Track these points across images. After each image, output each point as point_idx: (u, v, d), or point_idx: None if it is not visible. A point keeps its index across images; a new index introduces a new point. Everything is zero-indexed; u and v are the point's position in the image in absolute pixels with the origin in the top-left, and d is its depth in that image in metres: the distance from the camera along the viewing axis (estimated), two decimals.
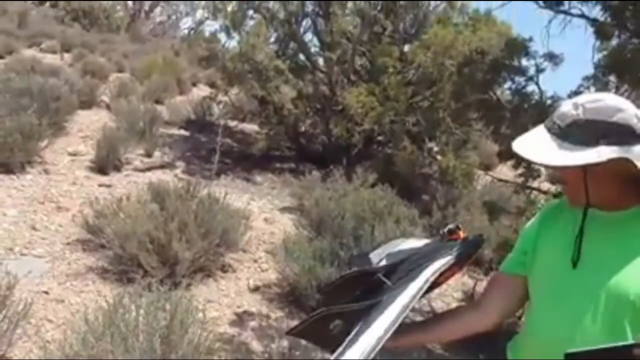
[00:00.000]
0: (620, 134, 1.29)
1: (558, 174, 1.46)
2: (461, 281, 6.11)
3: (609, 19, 3.59)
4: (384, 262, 1.74)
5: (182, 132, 10.11)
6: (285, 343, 3.62)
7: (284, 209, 7.15)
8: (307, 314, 4.71)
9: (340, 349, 1.47)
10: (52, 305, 4.17)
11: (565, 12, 4.11)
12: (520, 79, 3.90)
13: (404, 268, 1.62)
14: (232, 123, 10.38)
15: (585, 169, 1.32)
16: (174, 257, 4.67)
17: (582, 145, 1.29)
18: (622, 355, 1.23)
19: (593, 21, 3.89)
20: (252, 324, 4.36)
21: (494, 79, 3.89)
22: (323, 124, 9.11)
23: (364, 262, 1.79)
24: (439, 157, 8.27)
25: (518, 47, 3.87)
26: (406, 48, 8.70)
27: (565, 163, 1.30)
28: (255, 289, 5.00)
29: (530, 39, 4.02)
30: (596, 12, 3.82)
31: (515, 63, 3.94)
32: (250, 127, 10.30)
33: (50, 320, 3.97)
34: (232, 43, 10.35)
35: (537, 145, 1.36)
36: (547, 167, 1.42)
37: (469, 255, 1.56)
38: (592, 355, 1.24)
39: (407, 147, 7.80)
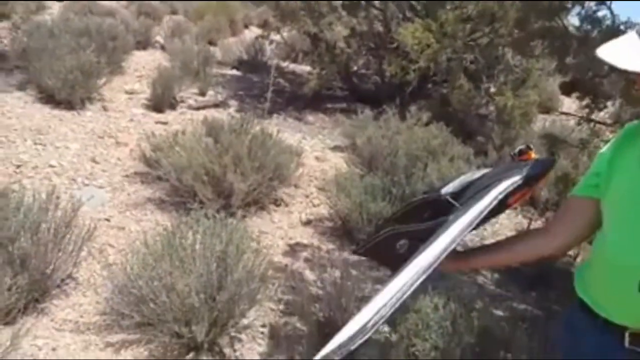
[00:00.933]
0: None
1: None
2: (515, 221, 5.99)
3: None
4: (452, 188, 1.71)
5: (235, 72, 10.13)
6: (337, 273, 3.66)
7: (335, 148, 7.13)
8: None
9: (404, 267, 1.45)
10: (114, 232, 4.35)
11: None
12: (591, 3, 3.65)
13: (471, 190, 1.59)
14: (284, 63, 10.31)
15: None
16: (228, 188, 4.76)
17: None
18: None
19: None
20: (304, 254, 4.43)
21: (562, 3, 3.65)
22: (376, 63, 8.92)
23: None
24: (496, 97, 7.99)
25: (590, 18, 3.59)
26: None
27: None
28: (308, 223, 5.06)
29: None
30: None
31: None
32: (302, 68, 10.20)
33: (112, 245, 4.14)
34: None
35: (627, 50, 1.24)
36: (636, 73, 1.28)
37: (540, 176, 1.52)
38: None
39: (463, 85, 7.56)
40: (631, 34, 1.28)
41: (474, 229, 1.47)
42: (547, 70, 7.63)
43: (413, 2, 8.46)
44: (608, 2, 3.52)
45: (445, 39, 7.82)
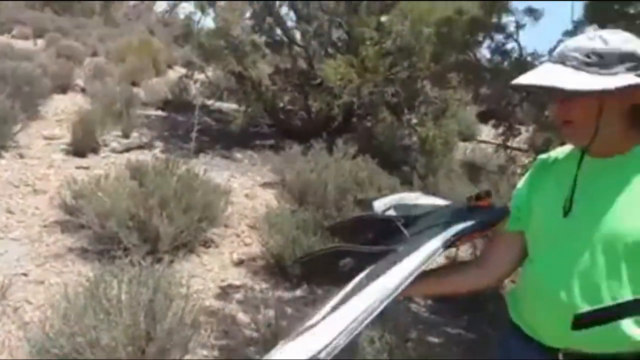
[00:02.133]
0: (637, 61, 1.28)
1: (558, 114, 1.35)
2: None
3: None
4: (392, 212, 1.73)
5: (160, 112, 9.96)
6: (271, 313, 3.59)
7: (265, 185, 7.10)
8: (292, 285, 4.66)
9: (347, 289, 1.44)
10: (31, 287, 4.09)
11: None
12: (500, 37, 3.87)
13: (423, 223, 1.60)
14: (210, 102, 10.25)
15: (602, 101, 1.28)
16: (155, 233, 4.60)
17: (600, 74, 1.26)
18: (632, 309, 1.22)
19: None
20: (237, 296, 4.33)
21: (473, 38, 3.85)
22: (302, 99, 9.02)
23: (365, 208, 1.80)
24: (418, 128, 8.25)
25: (496, 3, 3.82)
26: (384, 18, 8.61)
27: (588, 87, 1.24)
28: (239, 263, 4.96)
29: None
30: None
31: (494, 20, 3.89)
32: (228, 106, 10.17)
33: (30, 302, 3.89)
34: (207, 22, 10.18)
35: (545, 74, 1.31)
36: (562, 93, 1.30)
37: (492, 224, 1.53)
38: (603, 314, 1.23)
39: (386, 118, 7.77)
40: (546, 65, 1.35)
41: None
42: (464, 100, 7.96)
43: (334, 39, 8.67)
44: (515, 36, 3.75)
45: (366, 74, 8.05)
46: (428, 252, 1.41)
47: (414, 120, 8.10)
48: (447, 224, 1.48)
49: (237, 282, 4.59)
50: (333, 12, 8.49)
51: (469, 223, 1.46)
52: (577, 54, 1.28)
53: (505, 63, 3.78)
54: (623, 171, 1.32)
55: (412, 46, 7.60)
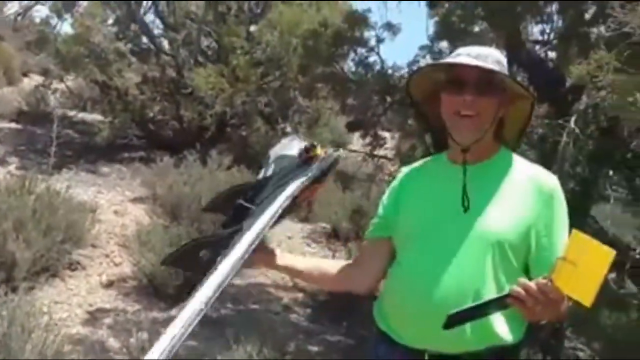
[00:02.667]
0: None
1: (461, 106, 1.41)
2: (322, 253, 6.24)
3: None
4: (271, 169, 1.73)
5: (14, 125, 9.15)
6: (144, 336, 3.42)
7: (135, 199, 6.78)
8: (167, 305, 4.48)
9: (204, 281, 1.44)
10: None
11: None
12: (362, 50, 4.02)
13: (266, 191, 1.62)
14: (72, 113, 9.60)
15: (499, 104, 1.42)
16: (10, 259, 4.21)
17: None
18: (497, 306, 1.30)
19: None
20: (107, 320, 4.09)
21: (338, 51, 3.97)
22: (172, 109, 8.75)
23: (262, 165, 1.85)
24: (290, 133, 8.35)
25: (357, 18, 3.97)
26: (253, 28, 8.61)
27: (495, 68, 1.40)
28: (109, 285, 4.69)
29: (369, 10, 4.15)
30: None
31: (357, 34, 4.04)
32: (93, 117, 9.60)
33: None
34: (64, 27, 9.54)
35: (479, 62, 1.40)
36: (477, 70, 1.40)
37: (325, 174, 1.59)
38: (471, 313, 1.29)
39: (260, 127, 7.77)
40: (467, 58, 1.43)
41: (271, 227, 1.53)
42: (335, 110, 8.19)
43: (204, 48, 8.52)
44: (376, 49, 3.93)
45: (238, 83, 8.00)
46: (264, 223, 1.48)
47: (288, 129, 8.18)
48: (283, 187, 1.55)
49: (107, 306, 4.33)
50: (202, 20, 8.34)
51: (303, 179, 1.54)
52: (490, 58, 1.42)
53: (369, 75, 3.94)
54: (492, 175, 1.43)
55: (282, 57, 7.67)
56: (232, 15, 8.51)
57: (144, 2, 8.72)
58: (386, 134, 4.46)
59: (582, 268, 1.14)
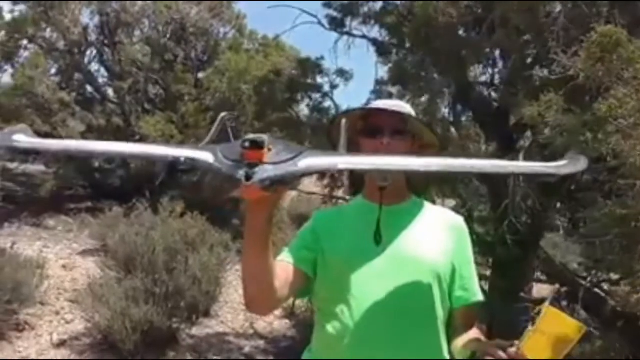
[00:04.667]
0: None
1: (379, 149, 1.48)
2: None
3: (387, 38, 3.98)
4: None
5: None
6: None
7: (85, 252, 6.56)
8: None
9: None
10: None
11: (349, 34, 4.45)
12: (317, 96, 4.12)
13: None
14: (13, 165, 9.27)
15: (414, 141, 1.53)
16: None
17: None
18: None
19: (373, 41, 4.28)
20: None
21: (292, 97, 4.04)
22: (119, 157, 8.59)
23: None
24: None
25: (311, 65, 4.08)
26: (200, 75, 8.66)
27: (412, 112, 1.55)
28: (61, 344, 4.48)
29: (322, 58, 4.27)
30: (375, 32, 4.22)
31: (310, 80, 4.14)
32: (36, 168, 9.30)
33: None
34: (4, 78, 9.30)
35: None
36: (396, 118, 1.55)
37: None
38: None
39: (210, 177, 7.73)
40: (380, 104, 1.59)
41: None
42: None
43: (151, 96, 8.49)
44: (330, 95, 4.03)
45: (187, 130, 7.98)
46: None
47: None
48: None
49: None
50: (148, 68, 8.32)
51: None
52: (405, 108, 1.56)
53: (324, 120, 4.03)
54: (407, 215, 1.53)
55: (232, 102, 7.73)
56: (179, 63, 8.55)
57: (89, 51, 8.64)
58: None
59: (551, 339, 1.22)
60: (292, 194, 9.11)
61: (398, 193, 1.55)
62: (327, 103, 4.13)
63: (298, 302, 6.39)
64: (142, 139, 8.05)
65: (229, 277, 6.18)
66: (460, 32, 3.23)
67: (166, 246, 5.63)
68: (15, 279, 4.70)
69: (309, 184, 7.95)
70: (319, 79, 4.18)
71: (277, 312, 5.84)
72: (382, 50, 4.21)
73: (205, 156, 1.11)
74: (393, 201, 1.53)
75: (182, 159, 1.13)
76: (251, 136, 1.04)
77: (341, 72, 4.22)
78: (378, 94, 4.23)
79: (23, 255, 5.50)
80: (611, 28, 2.16)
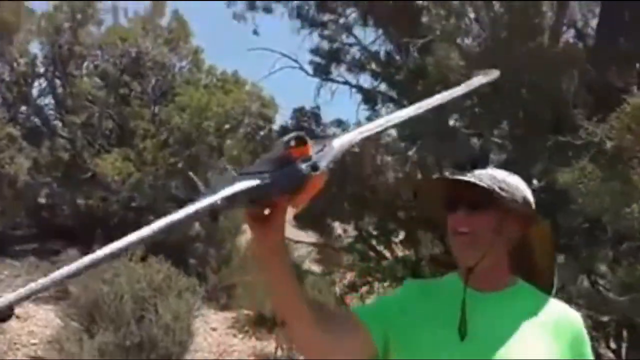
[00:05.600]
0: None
1: (458, 224, 1.27)
2: (249, 344, 6.01)
3: (375, 86, 4.02)
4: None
5: None
6: None
7: (39, 300, 6.13)
8: None
9: None
10: None
11: (333, 80, 4.46)
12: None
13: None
14: None
15: (501, 221, 1.27)
16: None
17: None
18: None
19: (359, 88, 4.31)
20: None
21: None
22: (69, 194, 8.18)
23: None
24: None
25: (307, 114, 4.04)
26: (157, 109, 8.43)
27: (492, 185, 1.26)
28: None
29: (318, 108, 4.25)
30: (362, 80, 4.25)
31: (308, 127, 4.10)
32: None
33: None
34: None
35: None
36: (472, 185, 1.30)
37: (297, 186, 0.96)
38: None
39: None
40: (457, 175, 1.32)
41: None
42: None
43: (106, 132, 8.17)
44: None
45: (146, 167, 7.71)
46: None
47: None
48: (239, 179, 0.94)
49: None
50: (103, 102, 8.02)
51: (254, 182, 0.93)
52: (487, 176, 1.30)
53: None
54: (505, 307, 1.29)
55: (193, 139, 7.56)
56: (135, 97, 8.29)
57: (37, 83, 8.24)
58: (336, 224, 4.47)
59: None
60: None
61: (492, 276, 1.30)
62: None
63: (271, 347, 6.25)
64: (95, 176, 7.72)
65: (196, 324, 5.95)
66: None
67: (133, 293, 5.37)
68: None
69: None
70: (315, 128, 4.14)
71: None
72: (368, 98, 4.24)
73: (244, 185, 0.95)
74: (486, 286, 1.29)
75: (219, 202, 0.93)
76: (290, 135, 0.99)
77: (339, 122, 4.20)
78: None
79: None
80: None
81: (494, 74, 1.40)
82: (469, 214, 1.30)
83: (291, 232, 7.39)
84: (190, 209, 0.96)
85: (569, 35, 4.22)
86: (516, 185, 1.36)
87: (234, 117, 7.53)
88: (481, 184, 1.30)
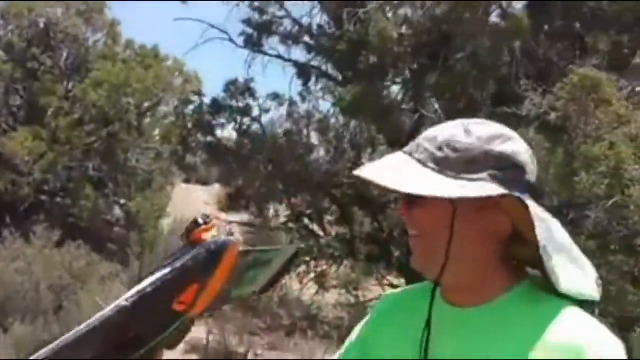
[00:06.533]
0: (510, 169, 0.91)
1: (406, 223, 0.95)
2: None
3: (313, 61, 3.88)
4: None
5: None
6: None
7: None
8: None
9: None
10: None
11: (265, 53, 4.28)
12: (246, 120, 3.88)
13: None
14: None
15: (456, 207, 0.89)
16: None
17: (450, 175, 0.88)
18: None
19: (293, 62, 4.16)
20: None
21: (217, 120, 3.77)
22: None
23: None
24: (122, 200, 7.71)
25: (241, 87, 3.84)
26: (70, 85, 7.86)
27: (437, 193, 0.87)
28: None
29: (252, 80, 4.05)
30: (295, 54, 4.10)
31: (241, 103, 3.90)
32: None
33: None
34: None
35: (387, 168, 0.95)
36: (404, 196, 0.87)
37: (211, 266, 0.88)
38: None
39: (90, 195, 7.02)
40: (398, 153, 0.94)
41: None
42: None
43: (13, 109, 7.53)
44: (259, 118, 3.82)
45: (59, 146, 7.19)
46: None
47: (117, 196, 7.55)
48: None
49: None
50: (10, 77, 7.37)
51: (167, 269, 0.87)
52: (428, 145, 0.92)
53: (252, 145, 3.81)
54: (481, 328, 0.93)
55: (111, 117, 7.12)
56: (46, 72, 7.68)
57: None
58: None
59: None
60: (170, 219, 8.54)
61: (474, 287, 0.94)
62: (255, 126, 3.91)
63: (202, 333, 6.03)
64: (2, 157, 7.10)
65: None
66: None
67: (52, 283, 5.00)
68: None
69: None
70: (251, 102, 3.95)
71: (185, 347, 5.44)
72: (303, 72, 4.09)
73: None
74: (464, 301, 0.95)
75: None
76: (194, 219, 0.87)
77: (275, 96, 4.03)
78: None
79: None
80: (590, 70, 2.26)
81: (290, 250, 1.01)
82: (409, 208, 0.95)
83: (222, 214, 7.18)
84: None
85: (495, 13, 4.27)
86: (481, 145, 0.90)
87: (155, 93, 7.15)
88: (386, 183, 0.89)
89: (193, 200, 11.26)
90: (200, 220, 0.87)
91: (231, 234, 0.91)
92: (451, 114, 3.55)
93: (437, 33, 2.92)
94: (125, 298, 0.77)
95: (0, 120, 7.55)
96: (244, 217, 7.27)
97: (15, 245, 5.76)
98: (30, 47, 7.70)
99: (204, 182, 12.64)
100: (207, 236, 0.88)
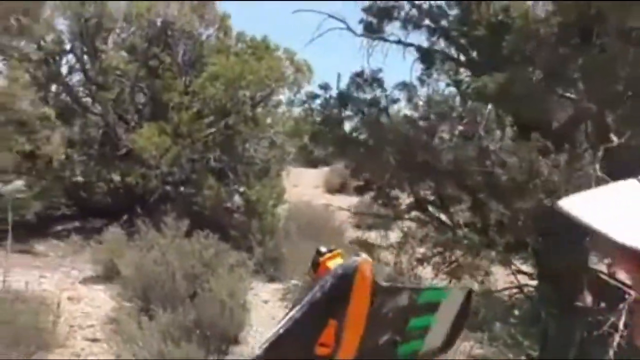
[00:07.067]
0: None
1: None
2: None
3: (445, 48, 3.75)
4: None
5: None
6: None
7: (88, 280, 6.09)
8: None
9: None
10: None
11: (385, 39, 4.18)
12: (373, 111, 3.84)
13: None
14: None
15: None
16: None
17: None
18: None
19: (416, 47, 4.03)
20: None
21: (344, 112, 3.76)
22: (106, 172, 8.08)
23: None
24: (242, 189, 7.98)
25: (368, 78, 3.80)
26: (187, 81, 8.21)
27: None
28: None
29: (380, 70, 3.99)
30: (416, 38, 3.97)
31: (369, 95, 3.86)
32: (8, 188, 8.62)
33: None
34: None
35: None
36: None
37: (340, 300, 0.77)
38: None
39: (213, 185, 7.33)
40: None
41: None
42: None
43: (139, 106, 8.00)
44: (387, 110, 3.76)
45: (181, 140, 7.54)
46: None
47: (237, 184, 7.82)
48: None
49: None
50: (134, 76, 7.82)
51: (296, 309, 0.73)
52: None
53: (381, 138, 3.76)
54: None
55: (229, 109, 7.36)
56: (166, 69, 8.06)
57: (64, 60, 8.04)
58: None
59: None
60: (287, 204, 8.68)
61: None
62: (383, 119, 3.86)
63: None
64: (131, 152, 7.57)
65: (248, 297, 5.85)
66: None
67: (185, 272, 5.27)
68: (25, 322, 4.27)
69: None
70: (378, 93, 3.89)
71: None
72: (425, 57, 3.96)
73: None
74: None
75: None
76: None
77: (404, 85, 3.95)
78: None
79: (26, 291, 5.05)
80: None
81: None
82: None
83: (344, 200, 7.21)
84: None
85: None
86: None
87: (268, 84, 7.29)
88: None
89: (303, 184, 11.45)
90: (323, 249, 0.80)
91: (357, 254, 0.78)
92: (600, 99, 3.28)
93: (587, 8, 2.68)
94: (260, 346, 0.70)
95: (128, 118, 8.06)
96: (352, 200, 7.23)
97: (149, 235, 6.13)
98: (151, 46, 8.12)
99: (314, 164, 12.65)
100: (333, 263, 0.80)
